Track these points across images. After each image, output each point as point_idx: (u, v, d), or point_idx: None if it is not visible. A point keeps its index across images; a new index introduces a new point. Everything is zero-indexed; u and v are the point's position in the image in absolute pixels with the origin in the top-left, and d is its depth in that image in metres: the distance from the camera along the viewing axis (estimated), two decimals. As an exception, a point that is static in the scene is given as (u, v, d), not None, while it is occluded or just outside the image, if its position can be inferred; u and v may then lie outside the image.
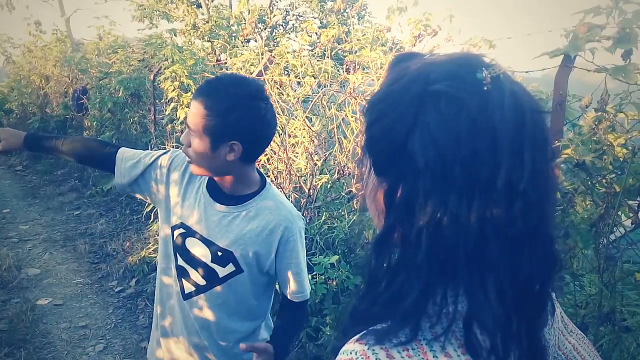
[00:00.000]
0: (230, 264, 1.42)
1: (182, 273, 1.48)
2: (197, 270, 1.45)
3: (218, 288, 1.44)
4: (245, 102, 1.31)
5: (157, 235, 4.40)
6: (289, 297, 1.50)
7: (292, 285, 1.48)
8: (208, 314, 1.46)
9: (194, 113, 1.31)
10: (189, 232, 1.46)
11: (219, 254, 1.42)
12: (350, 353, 0.56)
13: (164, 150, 1.57)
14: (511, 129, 0.55)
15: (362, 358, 0.55)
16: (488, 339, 0.57)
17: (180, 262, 1.48)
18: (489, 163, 0.54)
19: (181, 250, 1.47)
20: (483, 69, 0.57)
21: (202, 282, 1.45)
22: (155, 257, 4.17)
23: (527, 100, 0.58)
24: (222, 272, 1.43)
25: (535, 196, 0.56)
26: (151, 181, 1.53)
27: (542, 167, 0.57)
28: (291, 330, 1.58)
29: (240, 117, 1.30)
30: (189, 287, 1.47)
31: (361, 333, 0.58)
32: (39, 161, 8.03)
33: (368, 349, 0.56)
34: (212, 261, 1.43)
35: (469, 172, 0.54)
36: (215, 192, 1.46)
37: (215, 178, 1.45)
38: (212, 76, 4.56)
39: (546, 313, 0.66)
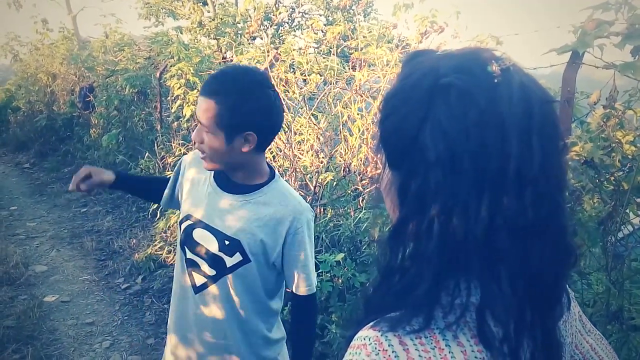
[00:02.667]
0: (238, 253, 1.41)
1: (192, 265, 1.48)
2: (205, 261, 1.45)
3: (227, 278, 1.44)
4: (255, 92, 1.31)
5: (164, 233, 4.43)
6: (294, 290, 1.48)
7: (300, 278, 1.46)
8: (219, 308, 1.46)
9: (204, 109, 1.31)
10: (196, 224, 1.46)
11: (226, 242, 1.42)
12: (364, 339, 0.57)
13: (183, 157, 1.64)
14: (519, 120, 0.55)
15: (376, 344, 0.56)
16: (501, 329, 0.58)
17: (189, 254, 1.48)
18: (498, 154, 0.54)
19: (189, 242, 1.47)
20: (493, 61, 0.57)
21: (211, 272, 1.44)
22: (161, 254, 4.19)
23: (536, 91, 0.58)
24: (229, 261, 1.42)
25: (546, 186, 0.57)
26: (176, 191, 1.64)
27: (552, 157, 0.58)
28: (308, 332, 1.56)
29: (252, 107, 1.30)
30: (200, 280, 1.47)
31: (375, 320, 0.59)
32: (46, 158, 8.07)
33: (381, 335, 0.57)
34: (219, 250, 1.43)
35: (478, 164, 0.55)
36: (224, 182, 1.47)
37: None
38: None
39: (561, 306, 0.66)
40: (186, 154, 4.78)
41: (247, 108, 1.30)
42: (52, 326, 3.44)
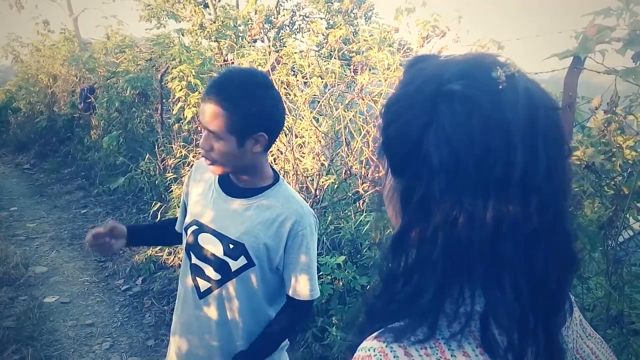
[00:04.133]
0: (242, 256, 1.41)
1: (196, 271, 1.48)
2: (210, 265, 1.45)
3: (231, 283, 1.44)
4: (261, 92, 1.32)
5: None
6: (291, 294, 1.46)
7: (301, 282, 1.44)
8: (223, 311, 1.46)
9: (211, 115, 1.30)
10: (201, 229, 1.47)
11: (231, 246, 1.42)
12: (369, 350, 0.57)
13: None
14: (524, 126, 0.55)
15: (381, 355, 0.56)
16: (506, 337, 0.57)
17: (195, 260, 1.48)
18: (503, 160, 0.54)
19: (194, 247, 1.48)
20: (498, 67, 0.57)
21: (216, 276, 1.44)
22: (162, 255, 4.19)
23: (541, 98, 0.58)
24: (234, 265, 1.42)
25: (551, 192, 0.57)
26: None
27: (557, 163, 0.57)
28: (278, 333, 1.51)
29: (261, 109, 1.31)
30: (204, 285, 1.47)
31: (379, 331, 0.59)
32: (46, 159, 8.07)
33: (386, 346, 0.56)
34: (224, 254, 1.43)
35: (483, 170, 0.54)
36: (228, 186, 1.47)
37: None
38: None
39: (564, 312, 0.66)
40: (187, 155, 4.75)
41: (256, 110, 1.31)
42: (52, 327, 3.43)
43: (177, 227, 1.68)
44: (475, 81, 0.57)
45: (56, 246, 4.82)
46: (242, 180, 1.45)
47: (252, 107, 1.30)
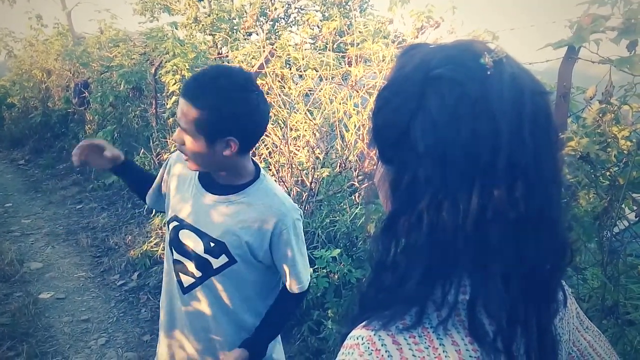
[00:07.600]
0: (224, 254, 1.41)
1: (179, 267, 1.47)
2: (192, 262, 1.44)
3: (214, 279, 1.43)
4: (236, 96, 1.27)
5: (159, 229, 4.41)
6: (287, 288, 1.49)
7: (289, 277, 1.46)
8: (209, 306, 1.45)
9: (184, 112, 1.28)
10: (181, 225, 1.45)
11: (212, 244, 1.41)
12: (357, 338, 0.57)
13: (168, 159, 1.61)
14: (510, 111, 0.54)
15: (368, 343, 0.55)
16: (495, 326, 0.57)
17: (176, 255, 1.47)
18: (489, 146, 0.54)
19: (175, 243, 1.47)
20: (485, 53, 0.56)
21: (198, 273, 1.44)
22: (157, 250, 4.18)
23: (528, 83, 0.57)
24: (215, 263, 1.42)
25: (538, 178, 0.56)
26: (162, 190, 1.62)
27: (545, 149, 0.57)
28: (278, 318, 1.54)
29: (233, 113, 1.26)
30: (187, 280, 1.46)
31: (368, 319, 0.58)
32: (41, 155, 8.03)
33: (374, 334, 0.56)
34: (205, 252, 1.42)
35: (469, 155, 0.54)
36: (208, 183, 1.45)
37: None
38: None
39: (556, 302, 0.65)
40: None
41: (227, 114, 1.26)
42: (48, 323, 3.42)
43: (147, 202, 1.69)
44: (463, 67, 0.56)
45: (51, 242, 4.80)
46: (221, 177, 1.43)
47: (223, 110, 1.25)
